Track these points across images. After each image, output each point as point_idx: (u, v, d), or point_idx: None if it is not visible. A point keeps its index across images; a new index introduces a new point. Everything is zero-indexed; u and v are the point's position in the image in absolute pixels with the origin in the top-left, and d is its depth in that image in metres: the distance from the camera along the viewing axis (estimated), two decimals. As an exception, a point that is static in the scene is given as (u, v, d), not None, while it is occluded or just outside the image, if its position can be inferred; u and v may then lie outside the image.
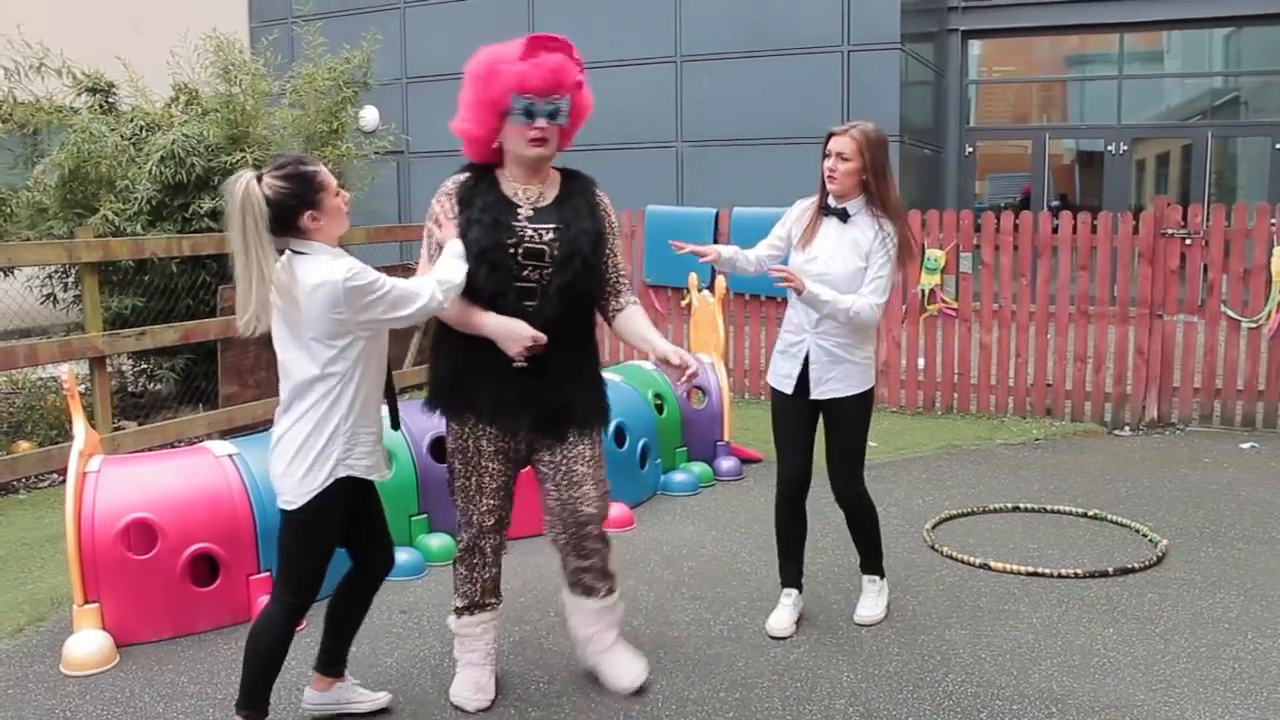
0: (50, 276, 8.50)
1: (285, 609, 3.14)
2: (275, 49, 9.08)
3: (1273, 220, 7.36)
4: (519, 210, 3.34)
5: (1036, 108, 17.73)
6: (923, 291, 8.07)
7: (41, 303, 8.47)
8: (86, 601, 3.94)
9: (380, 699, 3.51)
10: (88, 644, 3.88)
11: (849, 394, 3.97)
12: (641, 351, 3.60)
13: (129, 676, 3.80)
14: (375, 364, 3.12)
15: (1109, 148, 16.11)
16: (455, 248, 3.24)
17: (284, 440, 3.06)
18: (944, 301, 8.09)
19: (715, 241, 8.89)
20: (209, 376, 7.72)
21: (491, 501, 3.45)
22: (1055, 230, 7.84)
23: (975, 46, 17.03)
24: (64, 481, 4.31)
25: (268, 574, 4.20)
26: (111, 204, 7.72)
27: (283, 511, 3.11)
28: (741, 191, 11.66)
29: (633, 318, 3.51)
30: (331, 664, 3.45)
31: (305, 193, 2.97)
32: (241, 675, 3.16)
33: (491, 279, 3.25)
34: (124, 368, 8.48)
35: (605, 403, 3.56)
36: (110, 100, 8.75)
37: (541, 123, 3.26)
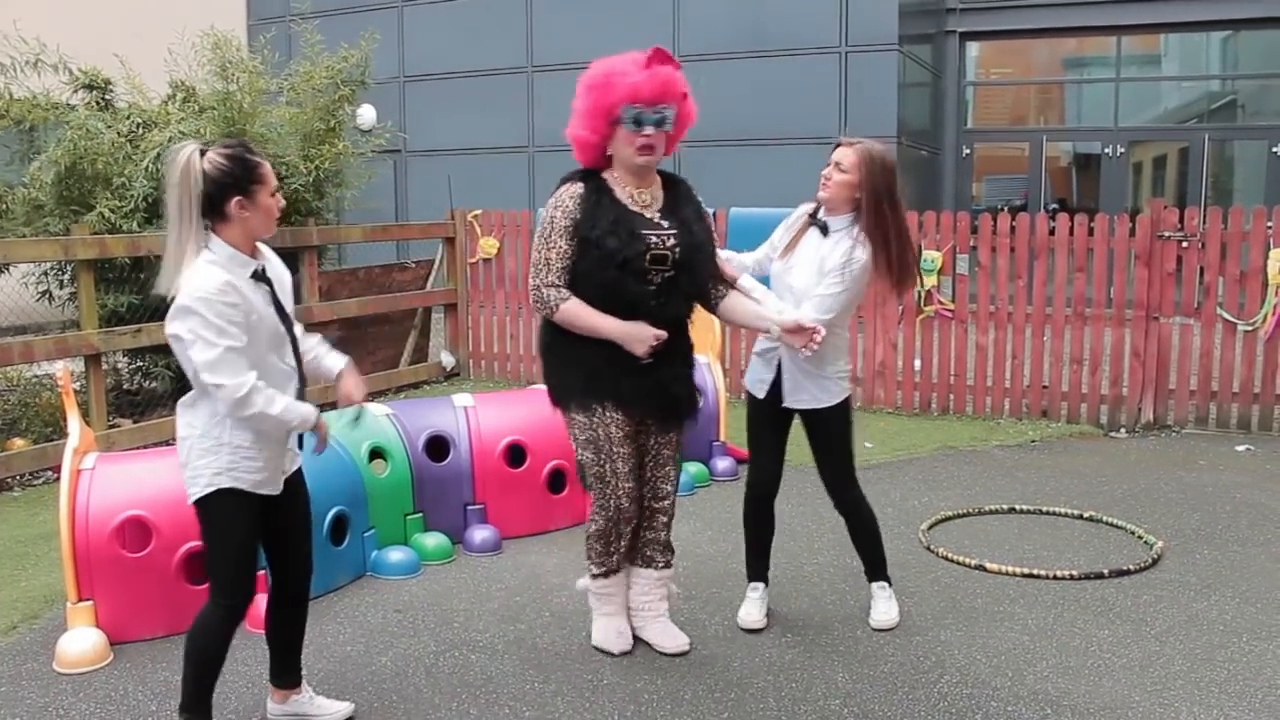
0: (46, 273, 8.47)
1: (215, 609, 3.10)
2: (273, 47, 9.06)
3: (1269, 223, 7.36)
4: (647, 217, 3.60)
5: (1034, 110, 17.75)
6: (920, 293, 8.07)
7: (37, 300, 8.45)
8: (80, 599, 3.93)
9: (340, 710, 3.45)
10: (81, 642, 3.87)
11: (822, 406, 3.98)
12: (758, 329, 3.85)
13: (122, 674, 3.79)
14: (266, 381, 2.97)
15: (1106, 150, 16.14)
16: (306, 408, 3.04)
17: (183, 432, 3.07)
18: (941, 303, 8.09)
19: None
20: (204, 374, 7.70)
21: (627, 484, 3.72)
22: (1052, 232, 7.84)
23: (973, 48, 17.06)
24: (58, 479, 4.30)
25: (263, 573, 4.19)
26: (108, 201, 7.69)
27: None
28: (739, 192, 11.65)
29: (739, 300, 3.80)
30: (280, 676, 3.40)
31: (241, 178, 2.90)
32: (182, 676, 3.14)
33: (631, 282, 3.54)
34: (119, 365, 8.46)
35: (696, 397, 3.90)
36: (107, 97, 8.72)
37: (649, 130, 3.51)
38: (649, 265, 3.55)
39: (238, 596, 3.11)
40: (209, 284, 2.84)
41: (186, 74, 8.66)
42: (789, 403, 4.00)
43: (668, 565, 3.97)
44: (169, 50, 8.58)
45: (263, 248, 3.11)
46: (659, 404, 3.72)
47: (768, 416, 4.07)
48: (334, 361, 3.32)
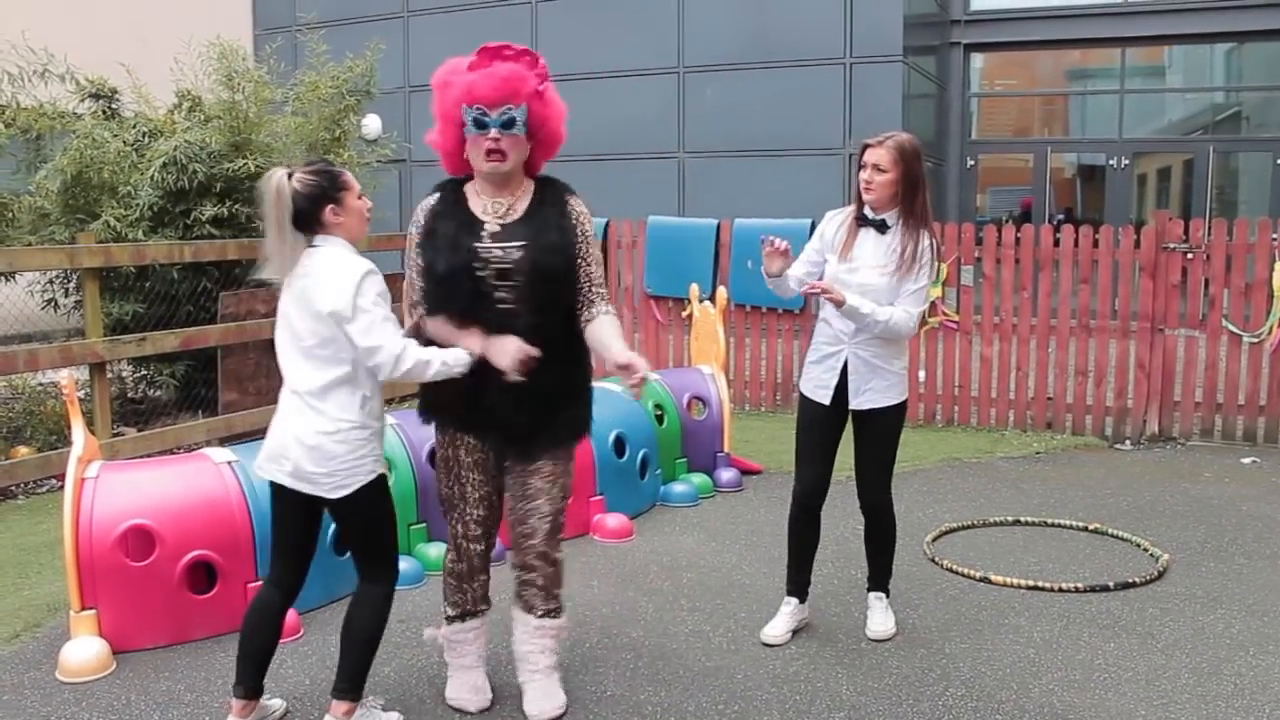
0: (51, 282, 8.49)
1: (385, 591, 3.31)
2: (279, 56, 9.10)
3: (1274, 235, 7.35)
4: (483, 230, 3.29)
5: (1038, 121, 17.76)
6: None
7: (42, 308, 8.47)
8: (83, 608, 3.92)
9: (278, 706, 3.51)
10: (84, 651, 3.86)
11: (887, 404, 3.98)
12: (602, 365, 3.38)
13: (125, 684, 3.78)
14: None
15: (1110, 162, 16.14)
16: (456, 355, 3.21)
17: None
18: (945, 314, 8.08)
19: (716, 253, 8.91)
20: (209, 383, 7.71)
21: (477, 512, 3.46)
22: (1056, 244, 7.83)
23: (977, 60, 17.08)
24: (62, 487, 4.29)
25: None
26: (113, 210, 7.71)
27: None
28: (743, 202, 11.67)
29: (599, 327, 3.36)
30: (254, 683, 3.35)
31: (329, 188, 3.16)
32: (349, 663, 3.28)
33: (463, 302, 3.24)
34: (124, 374, 8.48)
35: (580, 420, 3.49)
36: (113, 106, 8.76)
37: (494, 134, 3.21)
38: (495, 281, 3.25)
39: (396, 571, 3.36)
40: (360, 260, 3.15)
41: (192, 83, 8.69)
42: (855, 404, 3.97)
43: (548, 614, 3.50)
44: (175, 60, 8.61)
45: None
46: (503, 430, 3.37)
47: (825, 422, 4.04)
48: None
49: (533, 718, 3.47)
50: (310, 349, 3.12)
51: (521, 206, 3.36)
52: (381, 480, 3.23)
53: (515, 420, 3.32)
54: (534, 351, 3.16)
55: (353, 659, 3.27)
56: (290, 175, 3.13)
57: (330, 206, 3.16)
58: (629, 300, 9.28)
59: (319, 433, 3.11)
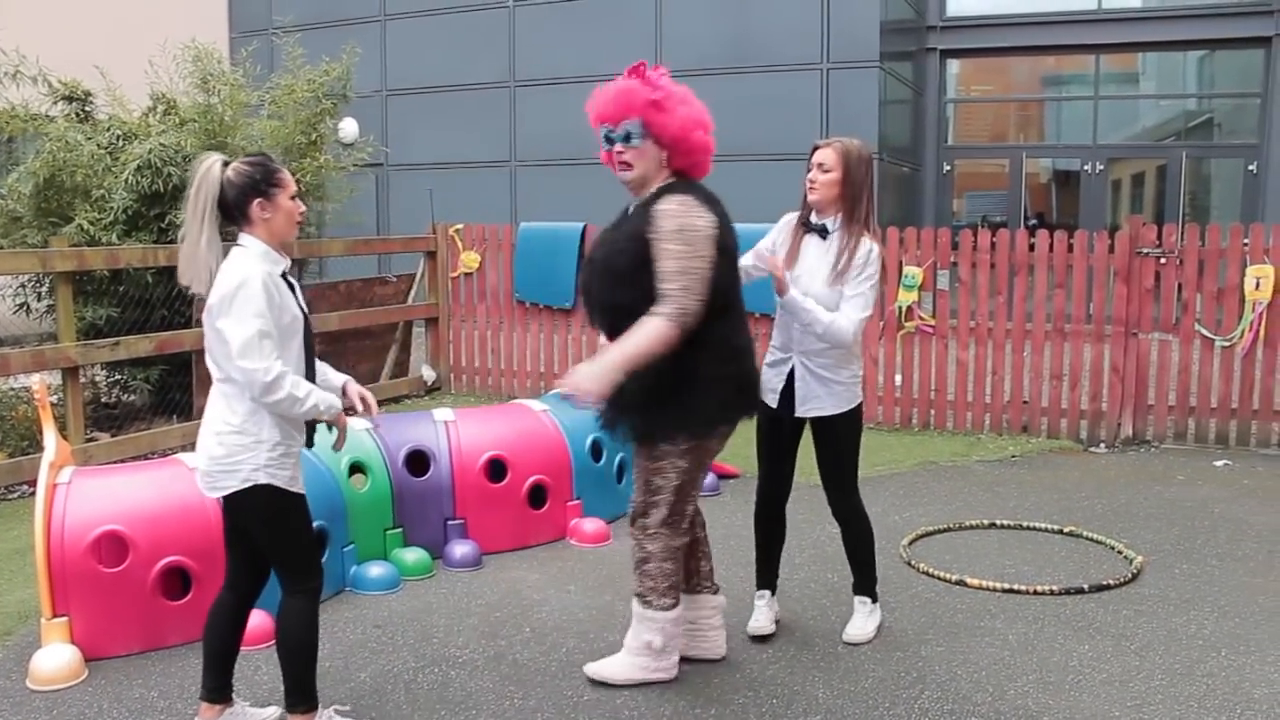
0: (24, 286, 8.42)
1: (296, 598, 3.23)
2: (255, 60, 9.05)
3: (1245, 240, 7.43)
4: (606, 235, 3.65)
5: (1014, 127, 17.88)
6: (900, 308, 8.10)
7: (14, 312, 8.39)
8: (55, 615, 3.89)
9: (270, 713, 3.47)
10: (55, 658, 3.82)
11: (834, 413, 4.00)
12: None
13: (97, 691, 3.75)
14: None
15: (1085, 167, 16.27)
16: (331, 398, 3.18)
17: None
18: (922, 318, 8.12)
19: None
20: (183, 388, 7.67)
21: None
22: (1032, 248, 7.88)
23: (953, 66, 17.18)
24: (34, 493, 4.25)
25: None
26: (87, 213, 7.66)
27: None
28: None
29: (635, 328, 3.47)
30: (219, 690, 3.35)
31: (261, 182, 3.10)
32: (288, 677, 3.23)
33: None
34: (97, 378, 8.41)
35: (669, 415, 3.52)
36: (87, 109, 8.70)
37: (618, 147, 3.48)
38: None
39: (315, 578, 3.24)
40: (246, 269, 3.02)
41: (167, 86, 8.64)
42: (800, 412, 4.01)
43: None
44: (150, 63, 8.56)
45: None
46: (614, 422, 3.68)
47: (775, 427, 4.09)
48: (337, 376, 3.46)
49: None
50: (209, 344, 3.11)
51: None
52: (270, 492, 3.10)
53: (616, 410, 3.59)
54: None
55: (292, 671, 3.22)
56: (226, 164, 3.09)
57: (258, 200, 3.09)
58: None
59: (204, 427, 3.15)
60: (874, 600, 4.26)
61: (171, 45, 8.39)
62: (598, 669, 3.79)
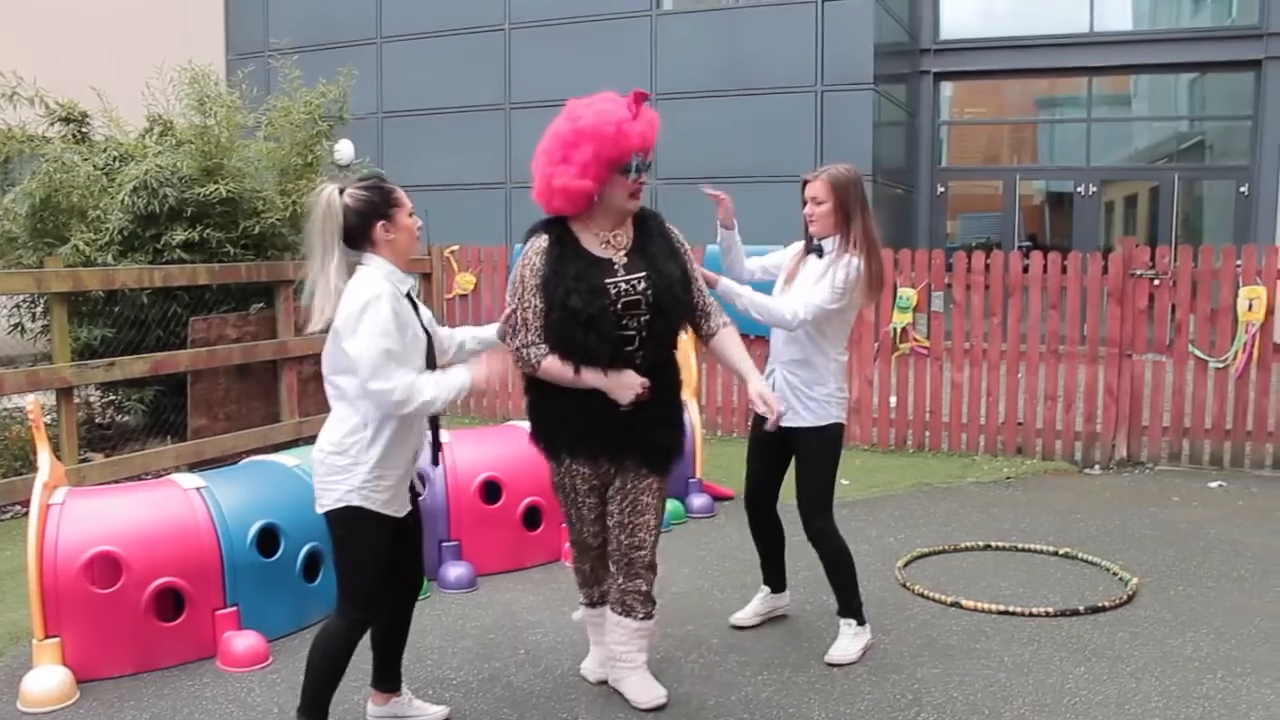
0: (18, 306, 8.40)
1: (340, 621, 3.25)
2: (251, 82, 9.07)
3: (1238, 262, 7.46)
4: (613, 265, 3.51)
5: (1007, 149, 17.97)
6: (895, 330, 8.11)
7: (8, 333, 8.38)
8: (47, 636, 3.86)
9: (437, 712, 3.63)
10: (47, 680, 3.80)
11: (805, 426, 4.09)
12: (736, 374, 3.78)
13: (88, 714, 3.72)
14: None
15: (1078, 189, 16.33)
16: (459, 379, 3.23)
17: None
18: (916, 340, 8.13)
19: None
20: (178, 409, 7.64)
21: (592, 528, 3.74)
22: (1026, 270, 7.91)
23: (947, 88, 17.27)
24: (26, 514, 4.24)
25: (234, 609, 4.14)
26: (82, 234, 7.66)
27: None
28: (714, 230, 11.71)
29: (728, 341, 3.72)
30: (384, 681, 3.56)
31: (381, 204, 3.20)
32: (303, 683, 3.26)
33: (596, 340, 3.42)
34: (91, 399, 8.38)
35: (682, 438, 3.76)
36: (84, 130, 8.71)
37: (644, 177, 3.52)
38: (622, 312, 3.45)
39: (365, 613, 3.26)
40: (372, 288, 3.10)
41: (164, 108, 8.65)
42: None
43: (648, 617, 3.74)
44: (147, 84, 8.57)
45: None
46: (635, 451, 3.58)
47: (760, 434, 4.22)
48: (481, 330, 3.66)
49: (644, 705, 3.72)
50: (329, 361, 3.20)
51: (631, 237, 3.60)
52: (353, 515, 3.14)
53: (650, 440, 3.59)
54: (647, 384, 3.47)
55: (308, 681, 3.27)
56: (341, 191, 3.16)
57: (381, 223, 3.18)
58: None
59: (317, 440, 3.24)
60: (860, 622, 4.26)
61: (168, 67, 8.40)
62: (651, 699, 3.74)
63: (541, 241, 3.51)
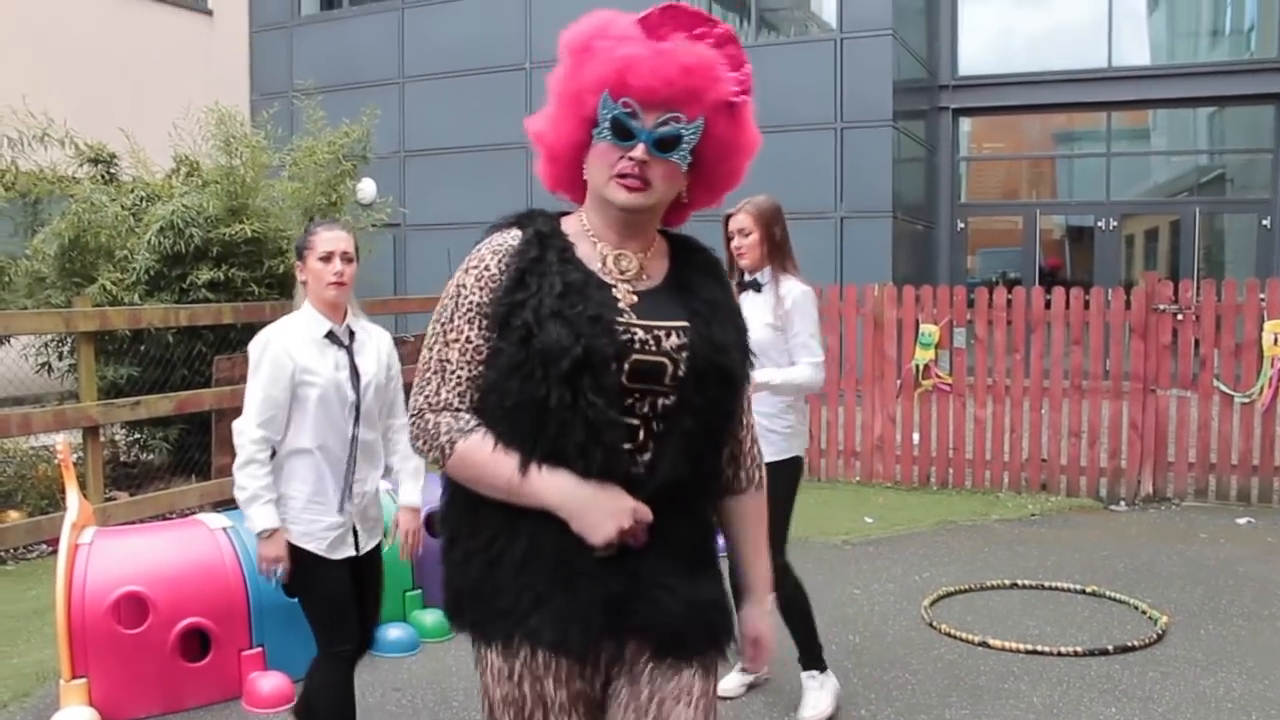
0: (46, 345, 8.49)
1: (318, 656, 3.25)
2: (275, 122, 9.18)
3: (1262, 295, 7.42)
4: (616, 299, 1.95)
5: (1026, 184, 17.96)
6: (917, 367, 8.10)
7: (36, 371, 8.46)
8: (74, 676, 3.88)
9: None
10: (74, 720, 3.81)
11: (765, 461, 3.95)
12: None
13: (115, 754, 3.72)
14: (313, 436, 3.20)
15: (1099, 223, 16.30)
16: (261, 519, 3.15)
17: None
18: (939, 376, 8.11)
19: None
20: (203, 447, 7.68)
21: None
22: (1048, 305, 7.89)
23: (966, 124, 17.31)
24: (53, 552, 4.27)
25: (260, 650, 4.14)
26: (110, 274, 7.74)
27: None
28: (736, 265, 11.72)
29: (751, 514, 2.20)
30: None
31: (301, 244, 3.29)
32: None
33: (589, 414, 1.83)
34: (116, 437, 8.44)
35: (729, 611, 2.03)
36: (112, 171, 8.83)
37: (641, 150, 1.89)
38: (628, 382, 1.88)
39: (334, 645, 3.22)
40: (265, 333, 3.21)
41: (190, 148, 8.76)
42: None
43: None
44: (174, 125, 8.70)
45: (363, 320, 3.38)
46: (618, 637, 1.90)
47: None
48: (407, 495, 3.50)
49: None
50: None
51: (657, 271, 2.04)
52: (295, 551, 3.17)
53: (651, 616, 1.89)
54: (647, 514, 1.85)
55: None
56: None
57: (299, 263, 3.29)
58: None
59: None
60: (822, 669, 4.05)
61: (194, 108, 8.52)
62: None
63: (507, 237, 1.99)
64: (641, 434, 1.91)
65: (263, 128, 8.96)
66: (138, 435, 8.30)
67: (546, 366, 1.84)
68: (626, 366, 1.89)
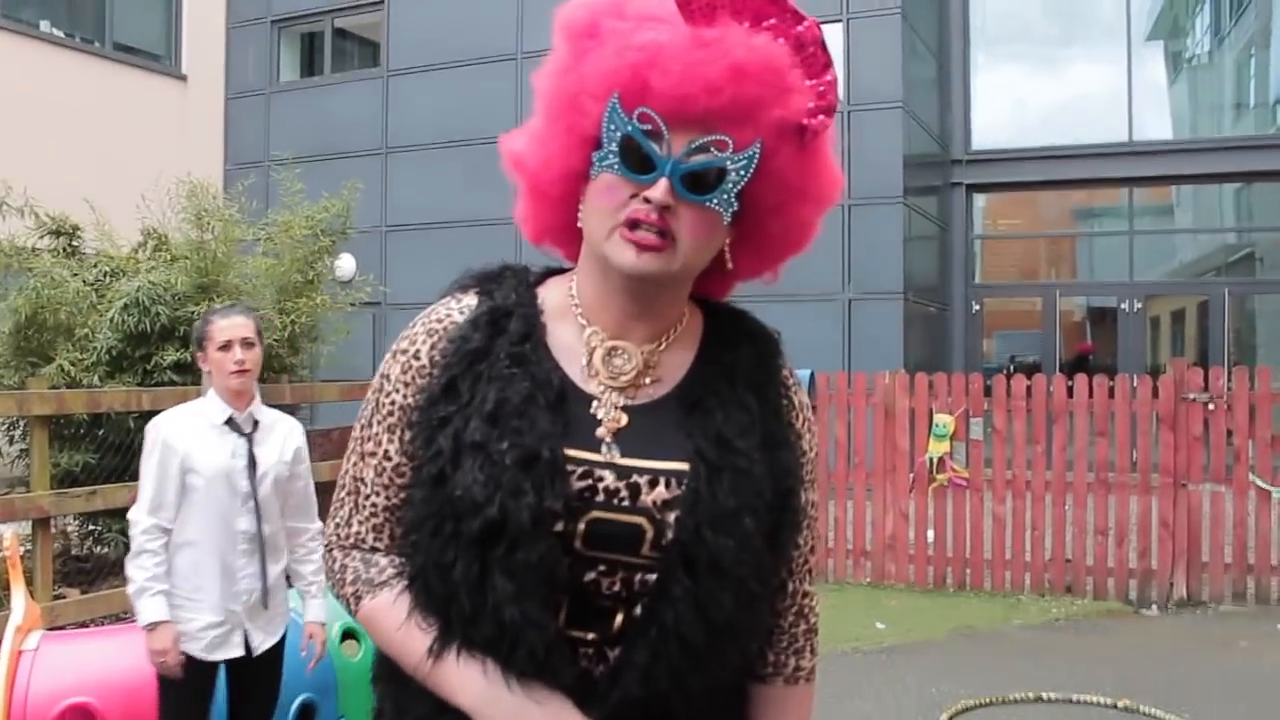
0: (-4, 428, 8.44)
1: None
2: (250, 194, 9.24)
3: (1299, 383, 7.44)
4: (594, 414, 1.50)
5: (1045, 263, 18.09)
6: (931, 460, 8.06)
7: (-17, 456, 8.39)
8: (12, 798, 3.77)
9: None
10: (10, 847, 3.69)
11: None
12: None
13: None
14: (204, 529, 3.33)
15: (1122, 305, 16.38)
16: (150, 611, 3.30)
17: None
18: (954, 470, 8.07)
19: None
20: (162, 540, 7.59)
21: None
22: (1070, 394, 7.89)
23: (980, 200, 17.47)
24: (-3, 659, 4.16)
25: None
26: (69, 353, 7.72)
27: None
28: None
29: (764, 713, 1.63)
30: None
31: (200, 333, 3.47)
32: None
33: (513, 586, 1.40)
34: (69, 528, 8.34)
35: None
36: (74, 244, 8.85)
37: (660, 188, 1.40)
38: (584, 549, 1.44)
39: None
40: (157, 421, 3.39)
41: (159, 221, 8.80)
42: None
43: None
44: (142, 196, 8.74)
45: (264, 410, 3.52)
46: None
47: None
48: (312, 612, 3.59)
49: None
50: None
51: (673, 370, 1.56)
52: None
53: None
54: None
55: None
56: None
57: (198, 352, 3.47)
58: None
59: None
60: None
61: (166, 178, 8.58)
62: None
63: (453, 311, 1.58)
64: (620, 619, 1.44)
65: (237, 200, 9.02)
66: (93, 527, 8.21)
67: (457, 522, 1.40)
68: (582, 527, 1.42)
